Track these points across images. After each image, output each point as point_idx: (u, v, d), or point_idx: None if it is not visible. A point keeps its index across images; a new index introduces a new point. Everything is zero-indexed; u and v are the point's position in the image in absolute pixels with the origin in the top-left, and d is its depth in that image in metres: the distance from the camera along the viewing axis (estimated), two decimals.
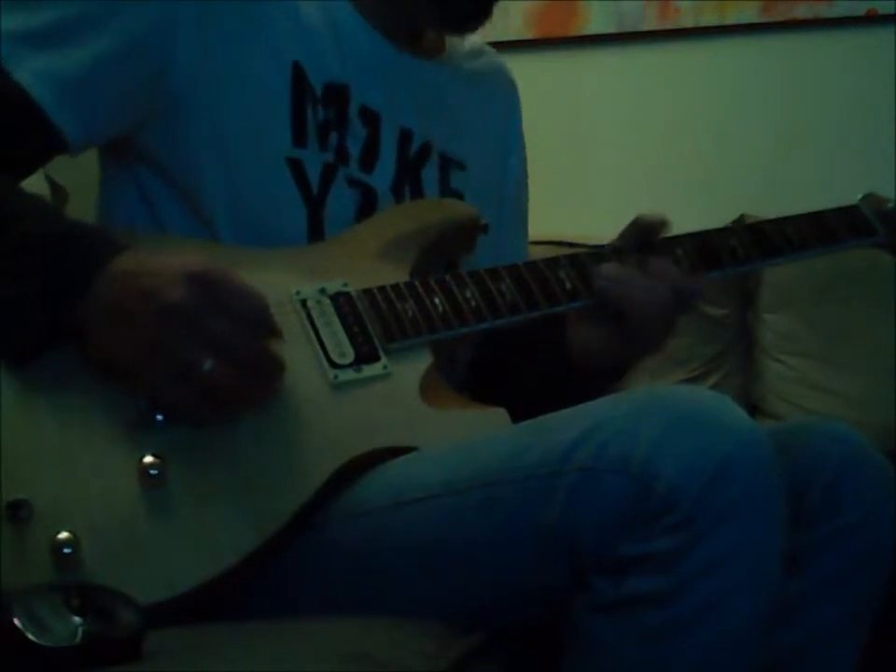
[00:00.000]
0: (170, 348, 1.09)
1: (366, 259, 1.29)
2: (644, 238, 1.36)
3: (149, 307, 1.09)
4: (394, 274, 1.28)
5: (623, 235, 1.37)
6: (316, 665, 0.97)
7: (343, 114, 1.33)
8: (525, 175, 1.57)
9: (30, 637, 0.89)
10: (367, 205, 1.35)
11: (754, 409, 2.71)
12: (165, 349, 1.09)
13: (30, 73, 1.19)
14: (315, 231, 1.31)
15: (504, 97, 1.55)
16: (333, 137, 1.32)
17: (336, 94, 1.33)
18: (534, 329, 1.35)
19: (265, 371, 1.13)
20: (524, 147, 1.56)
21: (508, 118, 1.55)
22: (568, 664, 1.08)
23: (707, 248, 1.38)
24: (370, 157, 1.35)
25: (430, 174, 1.41)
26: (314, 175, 1.30)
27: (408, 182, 1.38)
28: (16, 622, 0.89)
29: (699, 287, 1.35)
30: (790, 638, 1.20)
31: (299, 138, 1.30)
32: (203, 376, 1.09)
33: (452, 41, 1.49)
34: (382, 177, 1.36)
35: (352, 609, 1.11)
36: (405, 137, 1.38)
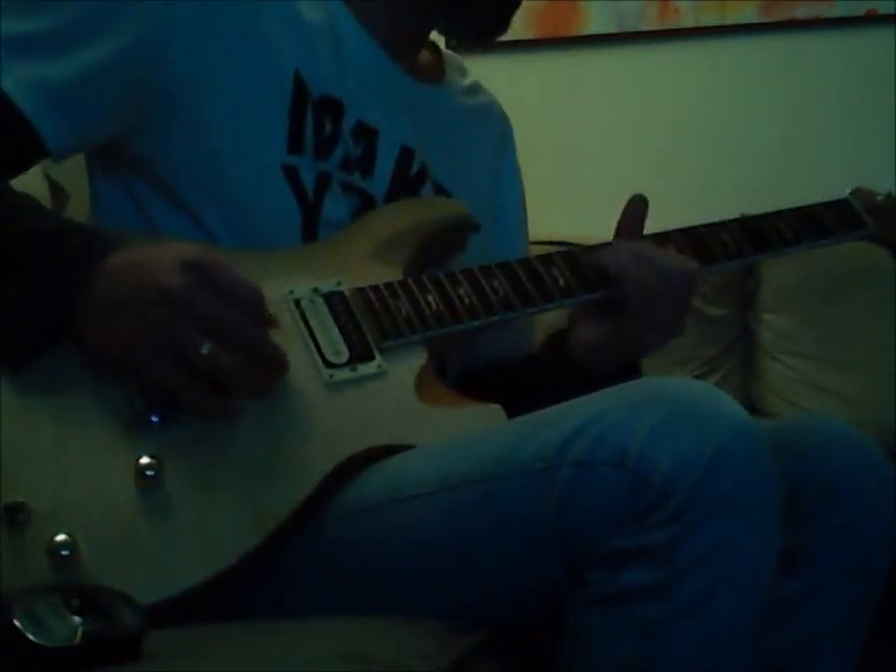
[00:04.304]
0: (168, 334, 1.09)
1: (359, 259, 1.29)
2: (638, 223, 1.37)
3: (146, 295, 1.09)
4: (387, 273, 1.28)
5: (621, 226, 1.38)
6: (316, 664, 0.97)
7: (337, 128, 1.33)
8: (524, 212, 1.56)
9: (30, 637, 0.89)
10: (363, 211, 1.34)
11: (754, 409, 2.71)
12: (164, 335, 1.09)
13: (15, 80, 1.19)
14: (310, 237, 1.30)
15: (498, 133, 1.54)
16: (330, 147, 1.32)
17: (331, 107, 1.32)
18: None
19: (264, 354, 1.13)
20: (520, 182, 1.55)
21: (502, 153, 1.54)
22: (565, 658, 1.08)
23: (699, 242, 1.39)
24: (365, 169, 1.35)
25: (427, 194, 1.40)
26: (308, 182, 1.30)
27: (404, 198, 1.38)
28: (16, 622, 0.89)
29: (702, 272, 1.35)
30: (789, 637, 1.20)
31: (295, 146, 1.29)
32: (203, 360, 1.09)
33: (451, 72, 1.49)
34: (377, 187, 1.36)
35: (350, 606, 1.11)
36: (406, 155, 1.38)
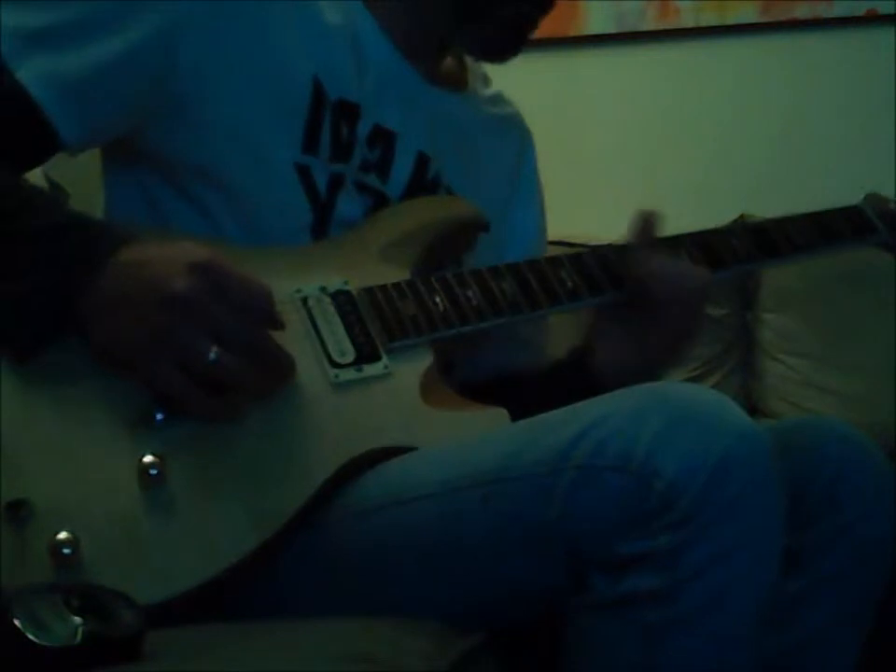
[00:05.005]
0: (174, 338, 1.09)
1: (367, 258, 1.29)
2: (649, 233, 1.37)
3: (153, 297, 1.09)
4: (395, 273, 1.28)
5: (633, 233, 1.38)
6: (316, 665, 0.97)
7: (353, 131, 1.33)
8: (543, 226, 1.55)
9: (30, 637, 0.89)
10: (378, 210, 1.34)
11: (754, 409, 2.71)
12: (169, 339, 1.09)
13: (32, 72, 1.19)
14: (321, 235, 1.30)
15: (518, 144, 1.53)
16: (347, 151, 1.32)
17: (347, 111, 1.32)
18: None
19: (269, 360, 1.13)
20: (540, 195, 1.55)
21: (520, 164, 1.53)
22: (568, 662, 1.08)
23: (710, 248, 1.39)
24: (381, 172, 1.35)
25: None
26: (321, 181, 1.30)
27: None
28: (16, 622, 0.89)
29: (712, 279, 1.36)
30: (792, 637, 1.20)
31: (310, 146, 1.29)
32: (208, 366, 1.09)
33: (475, 80, 1.49)
34: (394, 190, 1.35)
35: (352, 608, 1.11)
36: (422, 161, 1.38)
